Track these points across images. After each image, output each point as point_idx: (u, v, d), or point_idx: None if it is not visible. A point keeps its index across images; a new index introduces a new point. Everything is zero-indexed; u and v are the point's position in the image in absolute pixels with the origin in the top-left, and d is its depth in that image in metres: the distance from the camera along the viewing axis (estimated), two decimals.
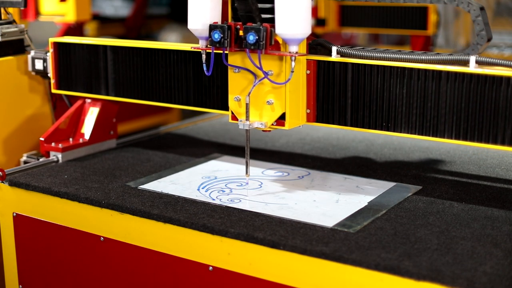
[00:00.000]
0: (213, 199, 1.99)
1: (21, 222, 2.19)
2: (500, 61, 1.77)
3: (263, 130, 2.00)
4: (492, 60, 1.78)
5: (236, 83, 1.99)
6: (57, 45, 2.47)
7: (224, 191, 2.06)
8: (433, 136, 1.86)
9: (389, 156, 2.43)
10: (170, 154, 2.47)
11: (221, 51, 1.94)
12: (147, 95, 2.33)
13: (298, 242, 1.68)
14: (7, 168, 2.23)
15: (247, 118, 1.96)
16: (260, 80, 1.93)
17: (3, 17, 2.60)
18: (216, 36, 1.89)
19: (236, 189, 2.08)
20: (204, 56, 1.99)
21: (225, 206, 1.93)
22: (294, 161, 2.37)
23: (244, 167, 2.29)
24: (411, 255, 1.61)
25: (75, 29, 4.13)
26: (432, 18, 3.93)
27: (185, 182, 2.14)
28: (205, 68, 1.99)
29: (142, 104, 2.36)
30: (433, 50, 4.09)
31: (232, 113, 2.02)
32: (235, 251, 1.77)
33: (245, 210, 1.90)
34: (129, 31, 5.56)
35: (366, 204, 1.94)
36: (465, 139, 1.82)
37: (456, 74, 1.80)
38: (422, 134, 1.88)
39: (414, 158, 2.40)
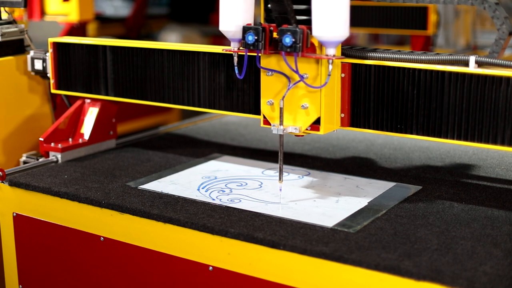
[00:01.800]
0: (213, 199, 1.99)
1: (21, 222, 2.19)
2: (500, 61, 1.76)
3: (296, 135, 1.95)
4: (491, 60, 1.77)
5: (269, 86, 1.94)
6: (56, 45, 2.46)
7: (224, 191, 2.06)
8: (437, 137, 1.85)
9: (389, 156, 2.43)
10: (170, 154, 2.47)
11: (255, 54, 1.89)
12: (146, 95, 2.32)
13: (298, 242, 1.68)
14: (6, 168, 2.23)
15: (281, 122, 1.91)
16: (295, 84, 1.87)
17: (3, 17, 2.60)
18: (250, 38, 1.83)
19: (236, 189, 2.08)
20: (236, 59, 1.94)
21: (225, 206, 1.93)
22: (294, 161, 2.37)
23: (245, 167, 2.30)
24: (411, 255, 1.61)
25: (78, 29, 4.13)
26: (432, 18, 3.92)
27: (185, 182, 2.14)
28: (236, 71, 1.95)
29: (142, 104, 2.36)
30: (433, 50, 4.09)
31: (264, 117, 1.97)
32: (235, 251, 1.77)
33: (245, 210, 1.90)
34: (129, 31, 5.56)
35: (366, 204, 1.94)
36: (465, 139, 1.81)
37: (457, 74, 1.80)
38: (428, 135, 1.87)
39: (414, 158, 2.40)
